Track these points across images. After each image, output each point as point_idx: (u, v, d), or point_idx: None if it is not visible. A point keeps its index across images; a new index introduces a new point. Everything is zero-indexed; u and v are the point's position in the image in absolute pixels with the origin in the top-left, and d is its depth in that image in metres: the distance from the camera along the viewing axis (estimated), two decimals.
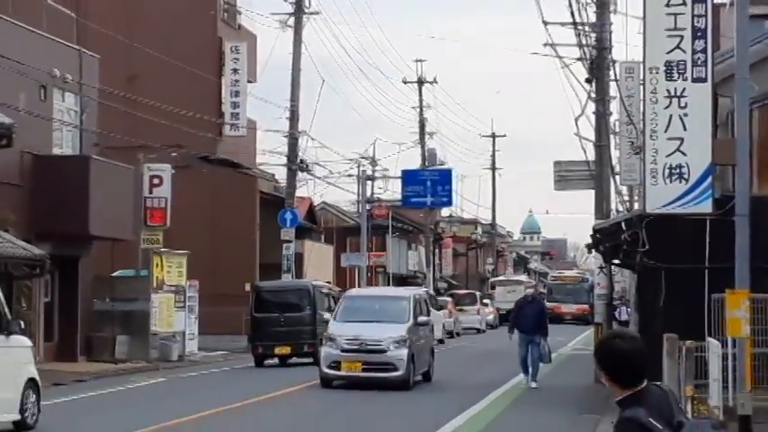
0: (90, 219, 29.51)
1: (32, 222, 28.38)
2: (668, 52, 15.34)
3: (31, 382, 16.54)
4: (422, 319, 24.22)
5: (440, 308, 48.10)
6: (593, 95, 26.77)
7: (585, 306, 65.05)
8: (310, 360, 29.23)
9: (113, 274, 33.68)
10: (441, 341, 44.00)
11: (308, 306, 31.22)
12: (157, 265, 32.84)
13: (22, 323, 17.20)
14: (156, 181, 33.70)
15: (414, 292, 26.83)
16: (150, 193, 33.64)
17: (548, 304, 42.45)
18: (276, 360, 30.94)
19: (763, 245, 15.38)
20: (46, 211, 28.69)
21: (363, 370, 22.63)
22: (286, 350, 30.68)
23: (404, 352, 22.53)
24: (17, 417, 16.10)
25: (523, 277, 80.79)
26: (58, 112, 30.52)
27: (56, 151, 30.69)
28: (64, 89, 30.62)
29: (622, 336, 4.75)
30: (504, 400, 21.08)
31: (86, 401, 21.77)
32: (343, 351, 22.79)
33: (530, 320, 23.71)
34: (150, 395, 23.08)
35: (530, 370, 23.56)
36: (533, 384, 23.32)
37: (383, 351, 22.59)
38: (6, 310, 16.66)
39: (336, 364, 22.82)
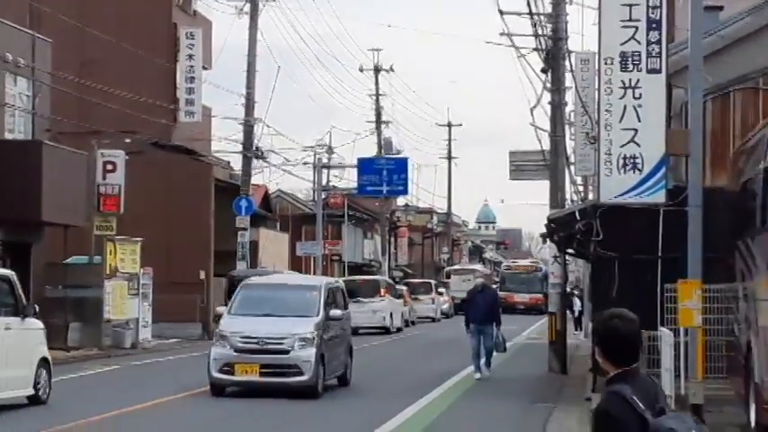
0: (43, 205, 29.25)
1: None
2: (623, 43, 15.38)
3: (43, 361, 18.35)
4: (335, 312, 20.52)
5: (399, 296, 48.48)
6: (548, 86, 26.84)
7: (539, 295, 64.64)
8: None
9: (66, 261, 33.39)
10: (399, 329, 44.65)
11: None
12: (111, 251, 32.60)
13: (36, 307, 19.14)
14: (109, 167, 33.45)
15: (326, 281, 22.94)
16: (104, 179, 33.38)
17: (501, 293, 42.58)
18: None
19: (716, 235, 15.48)
20: None
21: (262, 374, 18.98)
22: None
23: (311, 352, 19.00)
24: (31, 392, 17.86)
25: (479, 266, 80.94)
26: (10, 97, 30.20)
27: (8, 136, 30.38)
28: (16, 74, 30.31)
29: (621, 316, 4.89)
30: (456, 390, 21.09)
31: None
32: (237, 351, 19.14)
33: (481, 310, 23.17)
34: (103, 382, 22.92)
35: (482, 360, 23.09)
36: (486, 373, 22.99)
37: (285, 351, 19.03)
38: (21, 294, 18.30)
39: (229, 368, 19.09)
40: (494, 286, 39.83)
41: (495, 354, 23.46)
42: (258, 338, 19.14)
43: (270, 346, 19.06)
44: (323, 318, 19.80)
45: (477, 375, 22.93)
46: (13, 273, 18.99)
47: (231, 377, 19.16)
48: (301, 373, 18.88)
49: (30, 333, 18.13)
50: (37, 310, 18.84)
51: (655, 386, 4.88)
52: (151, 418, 16.97)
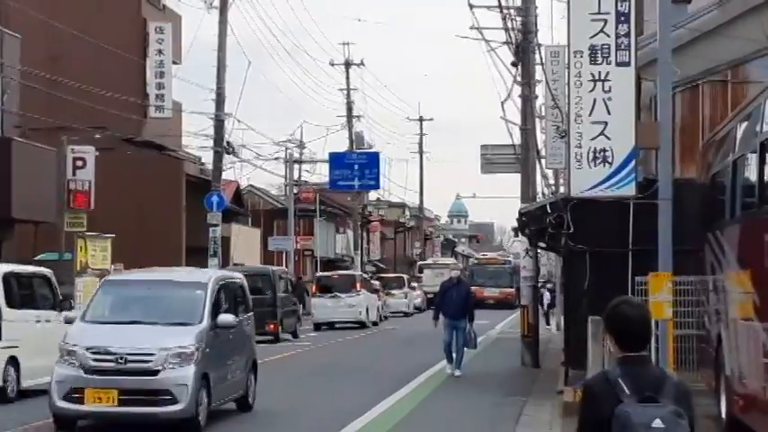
0: (12, 201, 29.09)
1: None
2: (592, 36, 15.41)
3: None
4: (226, 319, 15.45)
5: (374, 291, 48.74)
6: (518, 79, 26.85)
7: (509, 290, 64.05)
8: (271, 338, 33.38)
9: (36, 258, 33.18)
10: (375, 323, 45.97)
11: (269, 289, 34.62)
12: (81, 248, 32.44)
13: (71, 302, 21.41)
14: (79, 163, 33.28)
15: (217, 275, 16.98)
16: (74, 175, 33.21)
17: None
18: None
19: (686, 228, 15.54)
20: None
21: (121, 402, 14.18)
22: None
23: (187, 372, 14.29)
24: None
25: (451, 261, 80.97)
26: None
27: None
28: None
29: (629, 302, 5.09)
30: (428, 385, 21.08)
31: None
32: (87, 372, 14.34)
33: (455, 304, 22.32)
34: None
35: (454, 357, 22.40)
36: (457, 372, 22.34)
37: (153, 371, 14.27)
38: (57, 290, 20.46)
39: (78, 394, 14.30)
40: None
41: (465, 350, 22.72)
42: (117, 354, 14.30)
43: (132, 365, 14.27)
44: (208, 325, 15.01)
45: (449, 370, 22.47)
46: (51, 271, 20.92)
47: (80, 407, 14.31)
48: (174, 401, 14.16)
49: (64, 325, 18.21)
50: (72, 304, 20.89)
51: (662, 379, 4.92)
52: None
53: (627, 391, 4.80)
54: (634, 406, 4.77)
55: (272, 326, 34.05)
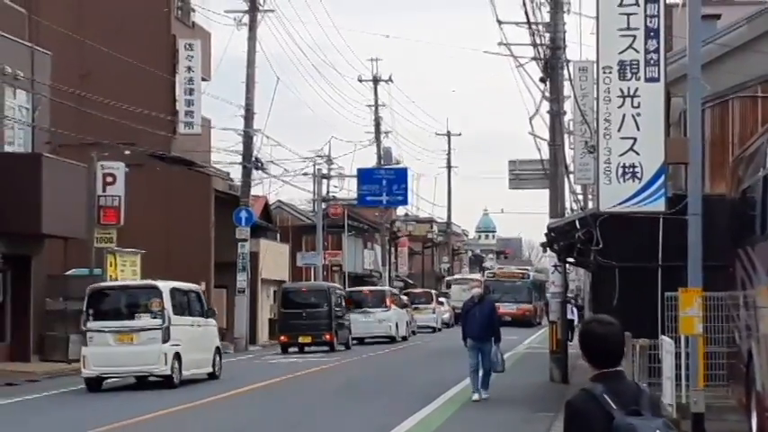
0: (43, 217, 29.29)
1: None
2: (621, 52, 15.40)
3: (217, 349, 26.01)
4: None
5: (403, 306, 48.87)
6: (547, 95, 26.84)
7: (528, 306, 61.01)
8: (327, 349, 37.09)
9: (66, 273, 33.40)
10: (404, 338, 46.56)
11: (326, 303, 38.25)
12: (111, 263, 32.62)
13: (215, 310, 28.06)
14: (109, 179, 33.47)
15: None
16: (104, 191, 33.40)
17: None
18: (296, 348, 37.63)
19: (715, 243, 15.48)
20: None
21: None
22: (307, 339, 37.70)
23: None
24: (210, 370, 25.44)
25: (479, 276, 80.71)
26: (10, 110, 30.26)
27: (7, 149, 30.42)
28: (15, 86, 30.36)
29: (600, 320, 5.17)
30: (456, 401, 21.03)
31: (38, 402, 21.59)
32: None
33: (479, 324, 20.45)
34: (105, 394, 22.90)
35: (479, 382, 20.53)
36: (484, 395, 20.48)
37: None
38: (205, 301, 26.78)
39: None
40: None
41: (492, 374, 20.83)
42: None
43: None
44: None
45: (476, 396, 20.51)
46: (201, 287, 28.18)
47: None
48: None
49: (210, 329, 25.98)
50: (216, 312, 27.59)
51: (639, 392, 5.00)
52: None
53: (614, 406, 4.85)
54: (632, 419, 4.82)
55: (327, 336, 37.56)
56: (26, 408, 20.53)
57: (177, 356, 23.56)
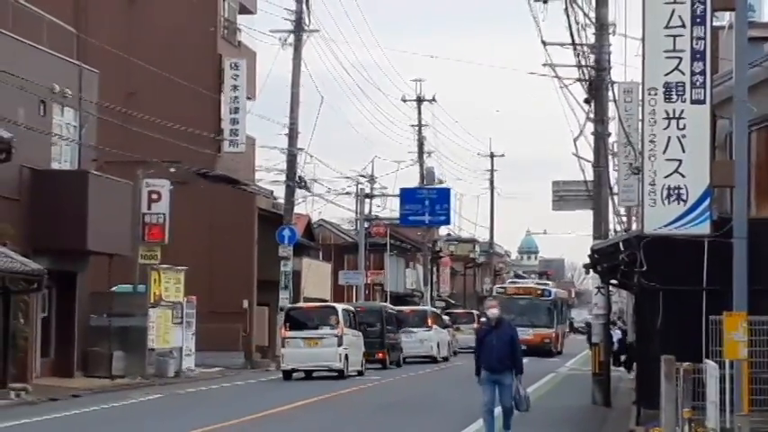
0: (88, 234, 29.51)
1: (30, 237, 28.37)
2: (667, 74, 15.35)
3: (363, 354, 35.18)
4: None
5: (445, 326, 48.73)
6: (591, 116, 26.76)
7: (547, 331, 50.61)
8: (379, 366, 38.21)
9: (111, 290, 33.64)
10: (446, 359, 46.39)
11: (378, 323, 39.27)
12: (155, 280, 32.82)
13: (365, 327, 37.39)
14: (154, 196, 33.70)
15: None
16: (149, 208, 33.63)
17: None
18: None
19: (761, 267, 15.37)
20: (44, 226, 28.69)
21: None
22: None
23: None
24: (360, 369, 34.34)
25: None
26: (57, 127, 30.55)
27: (54, 166, 30.70)
28: (63, 104, 30.66)
29: None
30: (497, 420, 20.92)
31: (83, 417, 21.73)
32: None
33: (495, 353, 16.55)
34: (148, 411, 23.03)
35: (496, 423, 16.80)
36: None
37: None
38: (355, 318, 35.42)
39: None
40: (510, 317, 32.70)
41: (516, 412, 17.00)
42: None
43: None
44: None
45: None
46: (353, 307, 37.81)
47: None
48: None
49: (360, 339, 35.05)
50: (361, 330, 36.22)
51: None
52: None
53: None
54: None
55: (380, 354, 38.84)
56: (69, 424, 20.64)
57: (346, 357, 32.89)
